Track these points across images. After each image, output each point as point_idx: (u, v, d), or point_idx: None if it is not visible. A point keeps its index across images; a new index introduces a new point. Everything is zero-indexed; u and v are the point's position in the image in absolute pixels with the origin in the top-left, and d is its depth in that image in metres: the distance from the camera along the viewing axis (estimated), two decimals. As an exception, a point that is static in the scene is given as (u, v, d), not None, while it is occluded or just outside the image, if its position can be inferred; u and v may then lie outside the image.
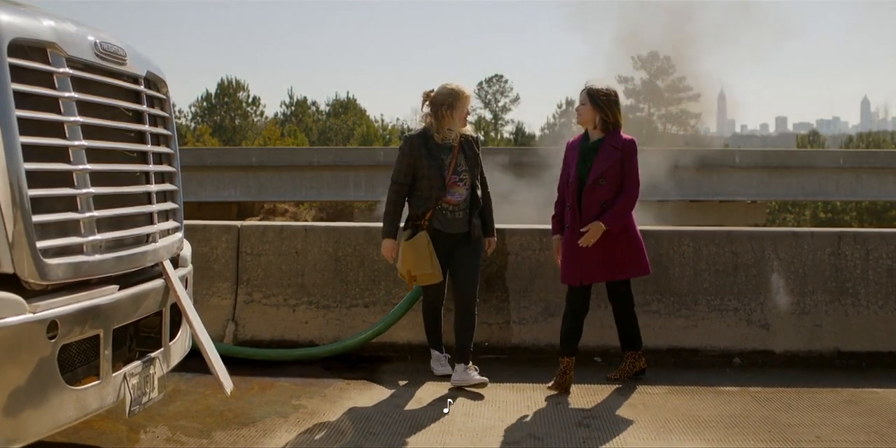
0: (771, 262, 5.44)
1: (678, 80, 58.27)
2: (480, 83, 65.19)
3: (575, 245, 4.59)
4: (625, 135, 4.67)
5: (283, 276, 5.50)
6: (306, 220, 41.61)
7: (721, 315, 5.38)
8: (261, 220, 39.93)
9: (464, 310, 4.76)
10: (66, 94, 2.66)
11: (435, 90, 4.78)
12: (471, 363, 4.70)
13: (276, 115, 59.83)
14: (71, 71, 2.70)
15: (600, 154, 4.60)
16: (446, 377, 4.73)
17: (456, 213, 4.72)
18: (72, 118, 2.67)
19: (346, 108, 59.67)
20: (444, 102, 4.69)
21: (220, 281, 5.52)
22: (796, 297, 5.40)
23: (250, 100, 57.19)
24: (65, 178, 2.66)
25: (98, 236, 2.76)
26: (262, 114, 58.06)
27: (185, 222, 5.64)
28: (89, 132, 2.79)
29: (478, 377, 4.62)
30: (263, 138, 49.64)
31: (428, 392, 4.54)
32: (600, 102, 4.63)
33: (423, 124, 4.87)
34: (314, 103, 61.38)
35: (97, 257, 2.75)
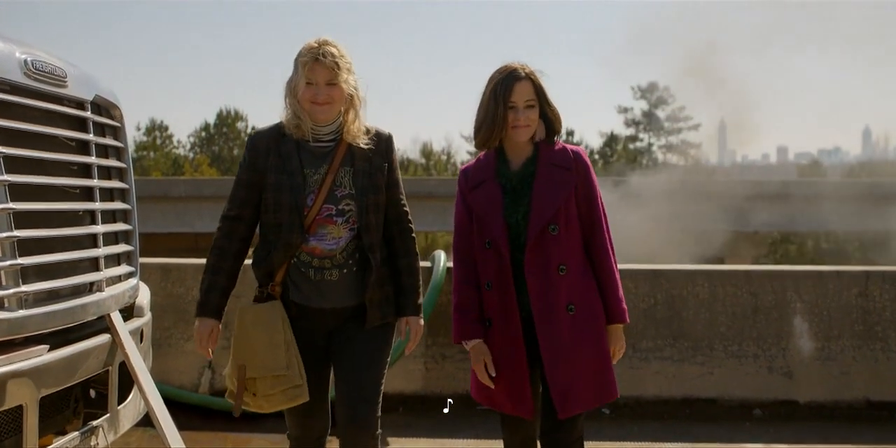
0: (793, 304, 5.01)
1: (678, 110, 58.28)
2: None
3: (519, 356, 2.68)
4: (566, 144, 2.80)
5: (263, 319, 5.05)
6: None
7: (739, 362, 4.93)
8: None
9: (352, 444, 2.65)
10: (-16, 121, 2.25)
11: None
12: None
13: (275, 145, 59.87)
14: (-9, 94, 2.30)
15: (540, 182, 2.70)
16: (442, 431, 4.24)
17: (327, 273, 2.65)
18: (-9, 149, 2.26)
19: (345, 138, 59.65)
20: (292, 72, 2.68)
21: (196, 324, 5.07)
22: (821, 342, 4.96)
23: (249, 130, 57.20)
24: (-18, 220, 2.25)
25: (23, 288, 2.33)
26: (261, 144, 58.09)
27: (159, 261, 5.29)
28: (18, 165, 2.38)
29: None
30: (262, 168, 49.50)
31: (419, 451, 4.10)
32: (548, 100, 2.74)
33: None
34: (313, 133, 61.39)
35: (21, 313, 2.32)
